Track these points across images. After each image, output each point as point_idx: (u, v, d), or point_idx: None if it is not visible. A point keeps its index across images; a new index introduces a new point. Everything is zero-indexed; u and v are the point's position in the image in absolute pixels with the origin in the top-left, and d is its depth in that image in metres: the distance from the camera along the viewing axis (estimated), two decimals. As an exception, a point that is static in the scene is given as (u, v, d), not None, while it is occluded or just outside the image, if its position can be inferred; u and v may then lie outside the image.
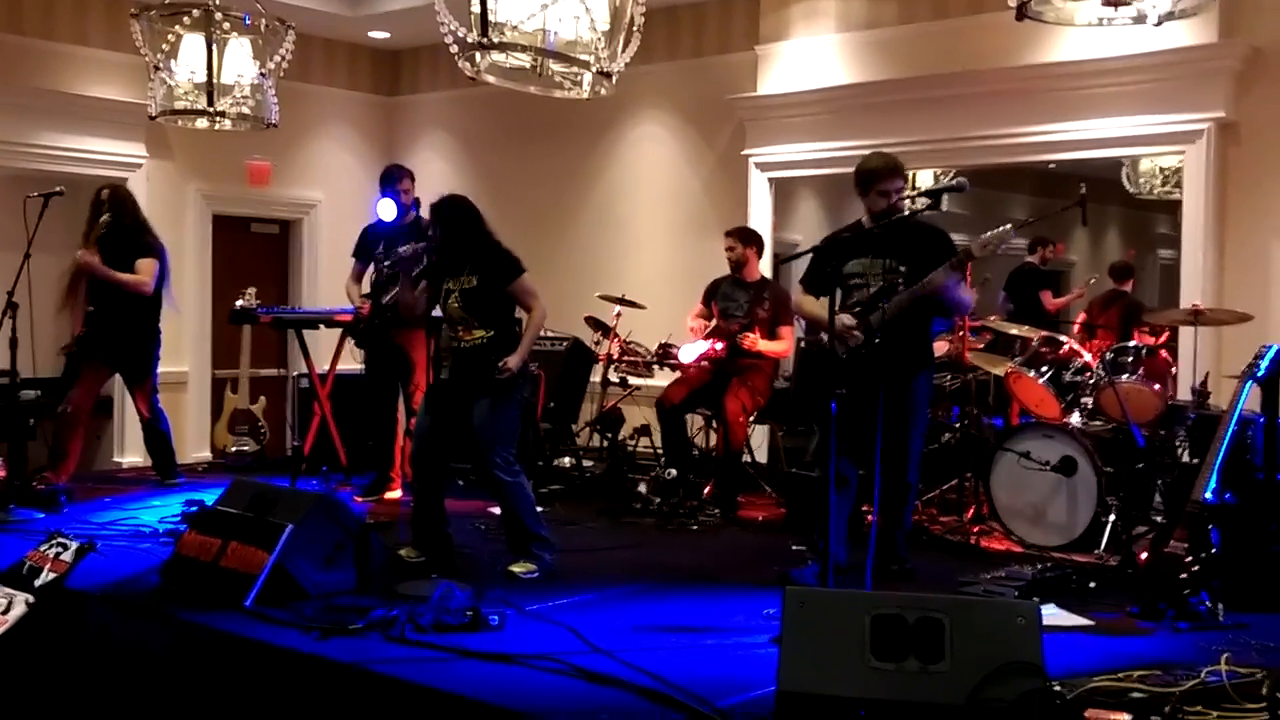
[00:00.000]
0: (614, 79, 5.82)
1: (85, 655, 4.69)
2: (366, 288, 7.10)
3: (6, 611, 4.72)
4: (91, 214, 7.01)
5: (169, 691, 4.34)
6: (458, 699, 3.56)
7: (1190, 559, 4.57)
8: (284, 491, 5.02)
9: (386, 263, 6.81)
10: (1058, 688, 3.59)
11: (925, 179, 8.73)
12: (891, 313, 5.13)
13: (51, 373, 8.59)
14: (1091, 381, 6.09)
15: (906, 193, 5.16)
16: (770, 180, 8.53)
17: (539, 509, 5.41)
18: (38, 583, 4.78)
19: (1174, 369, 6.25)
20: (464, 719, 3.52)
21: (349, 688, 3.83)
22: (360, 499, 6.92)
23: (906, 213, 5.20)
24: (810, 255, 5.38)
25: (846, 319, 5.19)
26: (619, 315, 7.88)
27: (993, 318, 7.44)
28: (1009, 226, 5.12)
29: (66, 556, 4.86)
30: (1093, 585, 5.00)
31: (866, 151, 7.95)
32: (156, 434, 7.38)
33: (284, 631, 4.20)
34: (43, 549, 4.94)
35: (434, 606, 4.33)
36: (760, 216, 8.44)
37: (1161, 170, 9.80)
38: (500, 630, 4.26)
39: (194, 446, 9.29)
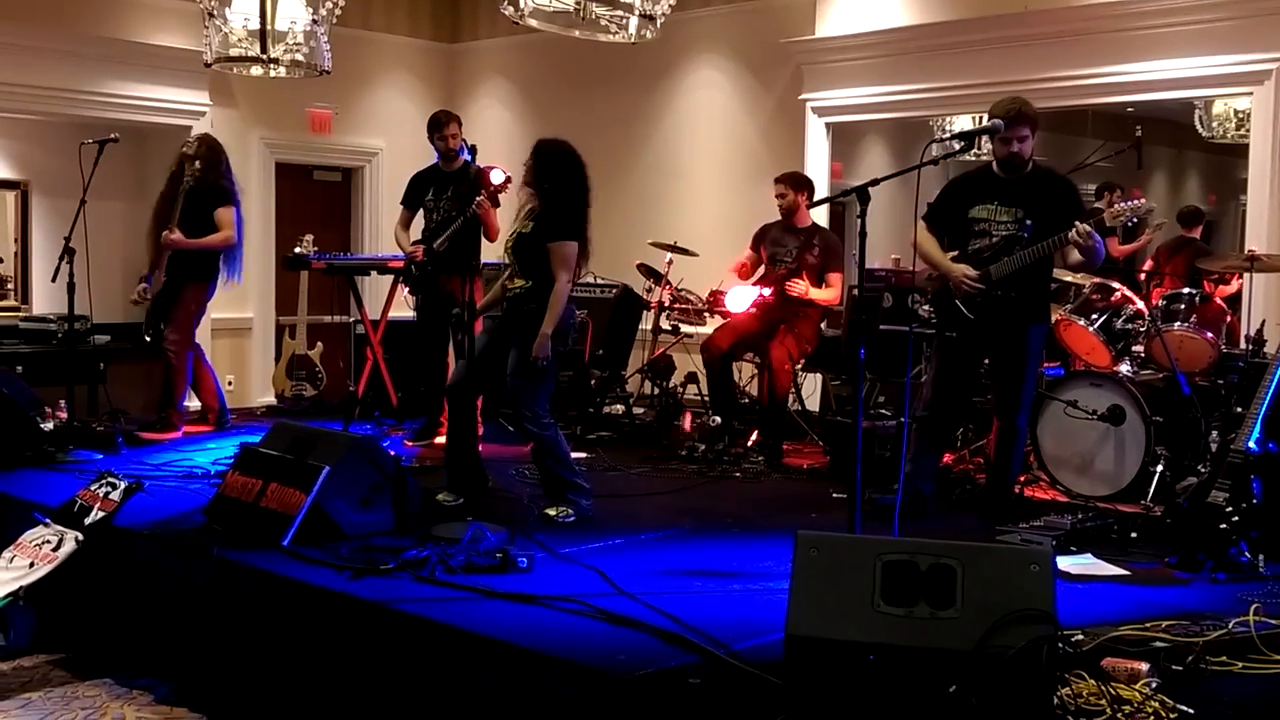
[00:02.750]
0: (658, 22, 5.78)
1: (131, 591, 4.82)
2: (417, 234, 7.14)
3: (57, 548, 4.86)
4: (178, 165, 7.01)
5: (210, 627, 4.45)
6: (479, 638, 3.60)
7: (1231, 509, 4.48)
8: (322, 434, 5.08)
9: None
10: (1079, 636, 3.56)
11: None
12: (1017, 265, 5.16)
13: (117, 318, 8.81)
14: (1143, 329, 5.96)
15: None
16: (827, 125, 8.41)
17: (581, 455, 5.41)
18: (87, 521, 4.90)
19: (1228, 317, 6.08)
20: (484, 658, 3.56)
21: (377, 626, 3.90)
22: (411, 444, 7.01)
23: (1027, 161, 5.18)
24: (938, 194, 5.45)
25: (967, 269, 5.22)
26: (670, 263, 7.85)
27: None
28: (1144, 202, 5.14)
29: (115, 495, 4.97)
30: (1134, 535, 4.92)
31: (927, 95, 7.97)
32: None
33: (318, 570, 4.27)
34: (93, 488, 5.06)
35: (465, 548, 4.39)
36: (817, 162, 8.35)
37: (1237, 114, 9.48)
38: (529, 572, 4.29)
39: (259, 391, 9.47)
